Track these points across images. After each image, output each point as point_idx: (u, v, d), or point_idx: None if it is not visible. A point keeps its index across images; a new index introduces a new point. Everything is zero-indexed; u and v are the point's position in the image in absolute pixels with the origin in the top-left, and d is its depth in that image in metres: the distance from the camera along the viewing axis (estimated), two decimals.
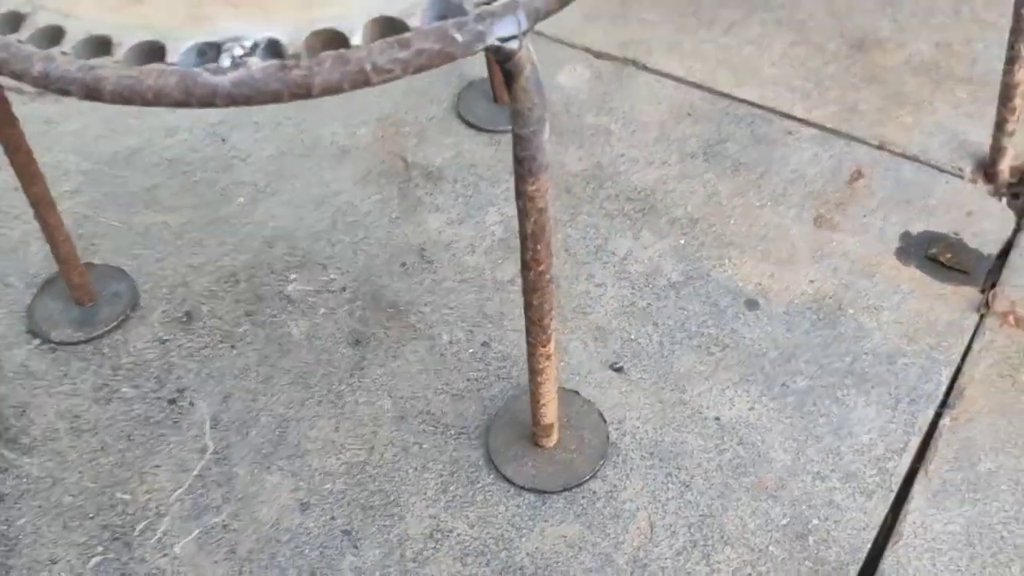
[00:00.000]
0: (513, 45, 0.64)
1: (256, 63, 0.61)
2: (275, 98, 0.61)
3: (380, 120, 1.41)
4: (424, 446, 1.02)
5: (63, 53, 0.63)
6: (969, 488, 0.97)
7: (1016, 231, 1.22)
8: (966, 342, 1.10)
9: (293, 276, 1.20)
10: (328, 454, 1.02)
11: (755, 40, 1.53)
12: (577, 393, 1.06)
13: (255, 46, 0.62)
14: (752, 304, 1.15)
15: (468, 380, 1.08)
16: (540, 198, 0.73)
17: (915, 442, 1.01)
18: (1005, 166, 1.29)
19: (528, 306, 0.83)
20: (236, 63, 0.60)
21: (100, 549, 0.95)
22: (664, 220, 1.25)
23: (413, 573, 0.93)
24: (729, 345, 1.11)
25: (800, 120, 1.39)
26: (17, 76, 0.63)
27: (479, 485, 0.99)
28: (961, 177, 1.30)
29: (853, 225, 1.24)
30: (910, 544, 0.93)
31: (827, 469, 0.99)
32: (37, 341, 1.13)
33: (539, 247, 0.77)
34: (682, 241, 1.23)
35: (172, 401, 1.07)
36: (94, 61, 0.62)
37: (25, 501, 0.99)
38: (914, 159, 1.32)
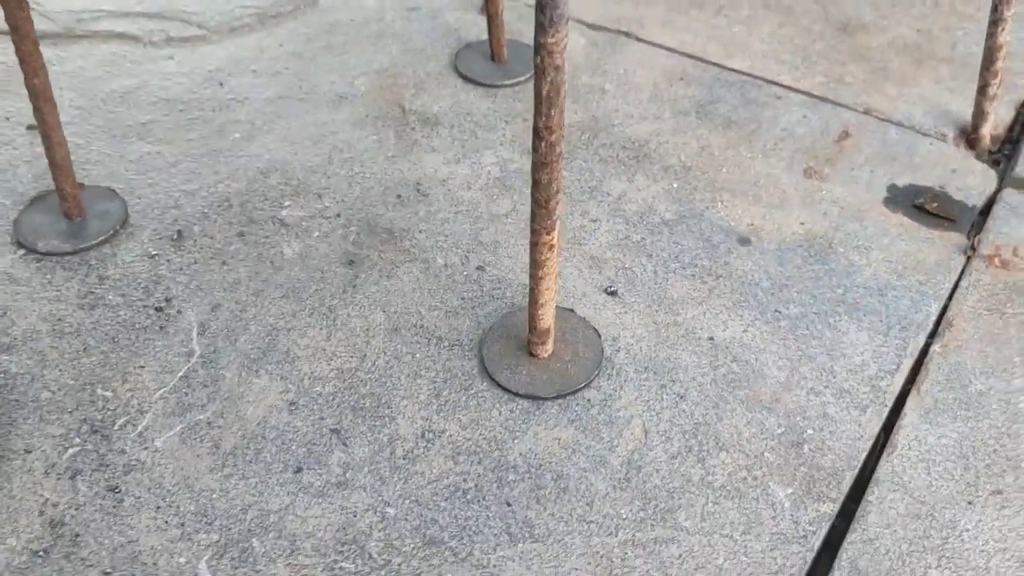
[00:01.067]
0: None
1: None
2: None
3: (378, 72, 1.42)
4: (417, 356, 1.01)
5: None
6: (961, 407, 0.97)
7: (998, 190, 1.24)
8: (954, 280, 1.12)
9: (287, 203, 1.19)
10: (319, 360, 1.00)
11: (744, 21, 1.57)
12: (572, 311, 1.05)
13: None
14: (744, 241, 1.16)
15: (462, 299, 1.07)
16: (558, 53, 0.74)
17: (907, 364, 1.02)
18: (986, 132, 1.33)
19: (535, 184, 0.83)
20: None
21: (78, 441, 0.92)
22: (658, 167, 1.27)
23: (403, 469, 0.91)
24: (722, 276, 1.11)
25: (789, 87, 1.42)
26: None
27: (472, 391, 0.97)
28: (944, 141, 1.33)
29: (842, 177, 1.26)
30: (904, 455, 0.93)
31: (821, 385, 0.99)
32: (22, 251, 1.11)
33: (552, 112, 0.77)
34: (675, 185, 1.24)
35: (159, 309, 1.05)
36: None
37: (2, 396, 0.96)
38: (899, 124, 1.35)
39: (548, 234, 0.87)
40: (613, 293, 1.08)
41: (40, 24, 1.42)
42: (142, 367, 0.99)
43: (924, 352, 1.03)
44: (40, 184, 1.20)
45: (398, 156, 1.27)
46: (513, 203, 1.20)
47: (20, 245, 1.12)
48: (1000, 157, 1.32)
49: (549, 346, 0.99)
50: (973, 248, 1.15)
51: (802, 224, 1.19)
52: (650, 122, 1.34)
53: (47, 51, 1.41)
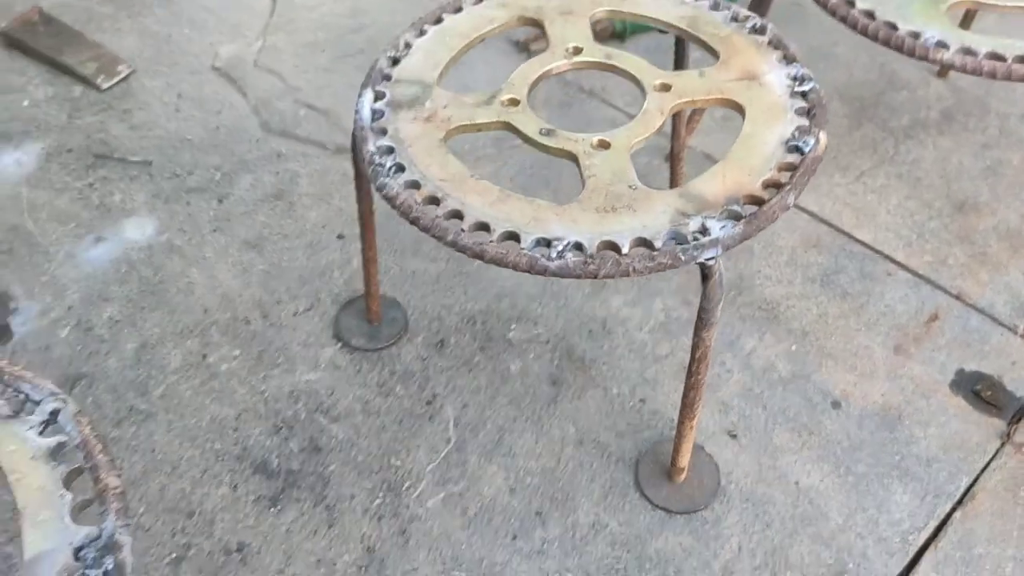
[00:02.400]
0: (712, 263, 1.12)
1: (570, 256, 1.10)
2: (578, 277, 1.10)
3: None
4: (594, 465, 1.52)
5: (462, 230, 1.13)
6: (963, 563, 1.41)
7: None
8: (986, 461, 1.53)
9: (513, 326, 1.71)
10: (529, 458, 1.52)
11: (877, 190, 1.96)
12: (702, 448, 1.53)
13: (568, 244, 1.11)
14: (836, 404, 1.60)
15: (628, 424, 1.57)
16: (710, 341, 1.21)
17: (932, 525, 1.45)
18: None
19: (686, 397, 1.31)
20: (559, 255, 1.10)
21: (380, 494, 1.48)
22: (783, 329, 1.71)
23: (579, 548, 1.42)
24: (814, 432, 1.56)
25: (900, 264, 1.82)
26: (437, 238, 1.14)
27: (628, 498, 1.47)
28: (1014, 332, 1.71)
29: (923, 356, 1.67)
30: None
31: (866, 532, 1.44)
32: (340, 344, 1.67)
33: (701, 367, 1.25)
34: (793, 347, 1.68)
35: (429, 402, 1.59)
36: (480, 237, 1.13)
37: (334, 455, 1.52)
38: (981, 311, 1.74)
39: (691, 421, 1.35)
40: (734, 436, 1.55)
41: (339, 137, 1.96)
42: (418, 446, 1.54)
43: (948, 517, 1.46)
44: (349, 288, 1.75)
45: (592, 295, 1.76)
46: (671, 347, 1.68)
47: (338, 339, 1.67)
48: None
49: (683, 476, 1.47)
50: (1008, 435, 1.56)
51: (882, 395, 1.61)
52: (784, 286, 1.78)
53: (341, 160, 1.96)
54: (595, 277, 1.10)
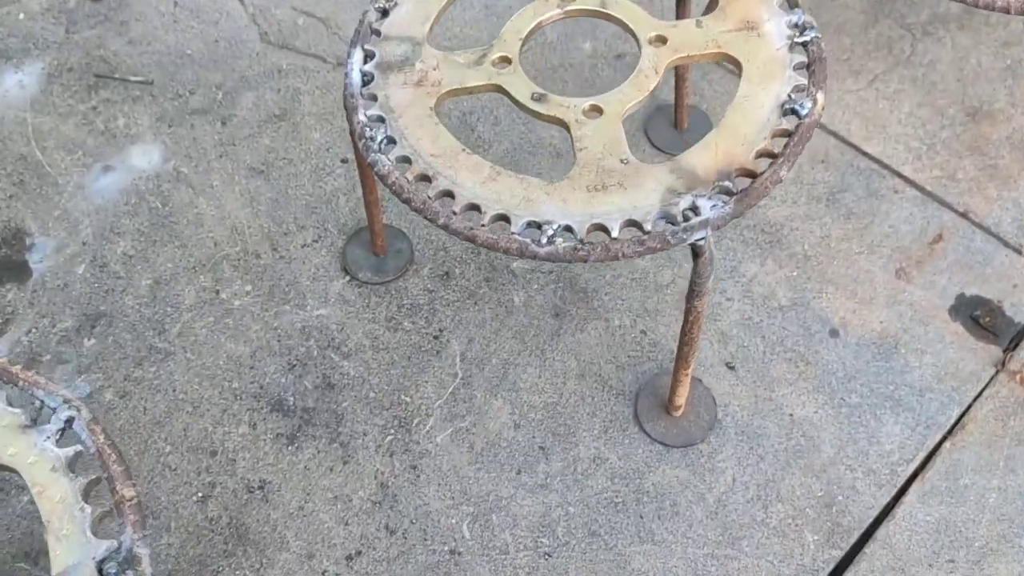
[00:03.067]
0: (702, 243, 1.13)
1: (560, 242, 1.11)
2: (569, 262, 1.11)
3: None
4: (595, 399, 1.57)
5: (454, 212, 1.14)
6: (948, 494, 1.47)
7: None
8: (979, 389, 1.57)
9: (515, 257, 1.72)
10: (533, 393, 1.58)
11: (890, 96, 1.91)
12: (700, 381, 1.58)
13: (558, 228, 1.12)
14: (834, 333, 1.63)
15: (629, 356, 1.61)
16: (702, 308, 1.23)
17: (921, 456, 1.51)
18: None
19: (680, 351, 1.35)
20: (550, 240, 1.11)
21: (392, 431, 1.55)
22: (786, 253, 1.72)
23: (581, 482, 1.50)
24: (811, 363, 1.60)
25: (908, 180, 1.80)
26: (429, 220, 1.15)
27: (628, 432, 1.54)
28: (1019, 252, 1.71)
29: (924, 280, 1.68)
30: (898, 524, 1.45)
31: (856, 464, 1.50)
32: (347, 278, 1.70)
33: (694, 329, 1.27)
34: (795, 273, 1.69)
35: (436, 337, 1.64)
36: (471, 222, 1.14)
37: (347, 392, 1.58)
38: (986, 230, 1.73)
39: (685, 371, 1.39)
40: (732, 367, 1.60)
41: None
42: (427, 382, 1.60)
43: (937, 448, 1.52)
44: (354, 217, 1.77)
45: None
46: (673, 275, 1.69)
47: (346, 272, 1.71)
48: None
49: (681, 410, 1.53)
50: (1003, 363, 1.59)
51: (881, 323, 1.64)
52: (788, 206, 1.77)
53: None
54: (585, 262, 1.12)
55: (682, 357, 1.36)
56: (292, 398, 1.58)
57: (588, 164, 1.17)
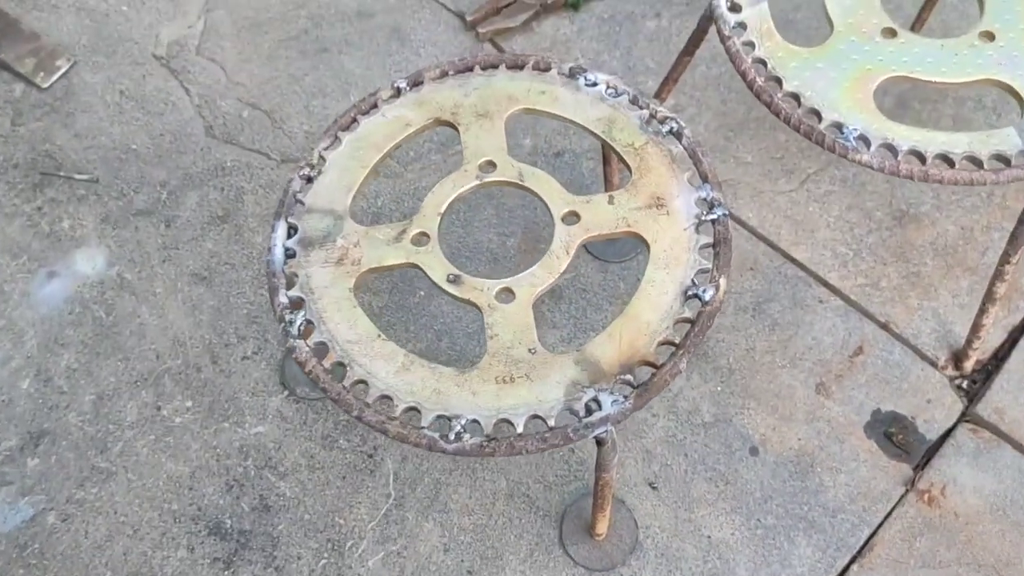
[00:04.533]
0: (604, 437, 1.19)
1: (467, 438, 1.17)
2: (476, 456, 1.17)
3: (525, 231, 1.92)
4: (522, 520, 1.64)
5: (367, 404, 1.20)
6: None
7: (955, 425, 1.71)
8: (888, 509, 1.64)
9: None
10: (463, 514, 1.65)
11: (820, 198, 1.96)
12: (623, 502, 1.65)
13: (466, 423, 1.17)
14: (754, 451, 1.70)
15: (556, 475, 1.68)
16: (609, 481, 1.29)
17: None
18: (971, 361, 1.76)
19: (595, 504, 1.41)
20: (457, 436, 1.17)
21: (326, 554, 1.61)
22: (711, 367, 1.78)
23: None
24: (731, 482, 1.67)
25: (833, 288, 1.85)
26: (344, 411, 1.20)
27: (552, 555, 1.61)
28: (934, 366, 1.77)
29: (843, 396, 1.74)
30: None
31: None
32: (285, 393, 1.75)
33: (605, 494, 1.34)
34: (719, 388, 1.76)
35: (370, 455, 1.70)
36: (383, 416, 1.19)
37: (283, 513, 1.64)
38: (905, 342, 1.80)
39: (603, 512, 1.45)
40: (655, 487, 1.66)
41: None
42: (360, 502, 1.66)
43: (845, 570, 1.59)
44: None
45: None
46: None
47: (284, 386, 1.76)
48: (973, 388, 1.76)
49: (604, 534, 1.60)
50: (913, 482, 1.66)
51: (799, 440, 1.70)
52: (716, 316, 1.82)
53: None
54: (491, 456, 1.17)
55: (597, 507, 1.43)
56: (229, 520, 1.64)
57: (498, 353, 1.22)
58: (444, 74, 1.44)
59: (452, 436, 1.17)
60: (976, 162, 1.37)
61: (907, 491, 1.66)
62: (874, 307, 1.83)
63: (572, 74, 1.43)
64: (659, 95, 1.80)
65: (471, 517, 1.64)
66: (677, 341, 1.22)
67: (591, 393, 1.19)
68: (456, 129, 1.40)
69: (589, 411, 1.18)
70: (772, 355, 1.79)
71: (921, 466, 1.68)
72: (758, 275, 1.87)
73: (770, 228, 1.92)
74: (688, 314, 1.24)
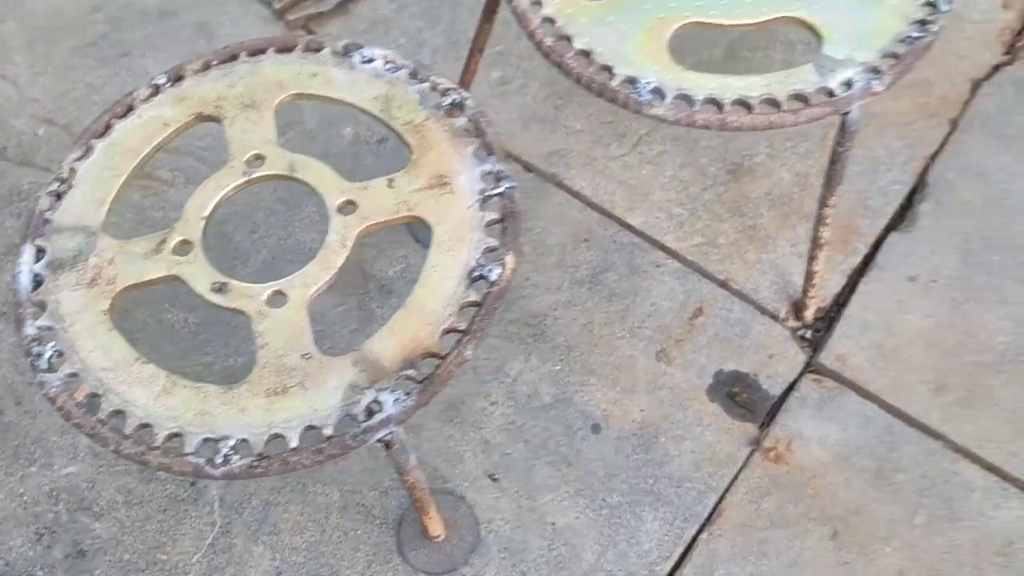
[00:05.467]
0: (391, 439, 1.10)
1: (236, 460, 1.07)
2: (246, 478, 1.07)
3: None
4: (358, 532, 1.55)
5: (124, 436, 1.09)
6: None
7: (798, 379, 1.67)
8: (735, 472, 1.59)
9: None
10: (295, 533, 1.55)
11: (654, 159, 1.90)
12: (463, 499, 1.57)
13: (234, 444, 1.08)
14: (596, 428, 1.63)
15: (392, 479, 1.59)
16: (416, 483, 1.21)
17: (678, 551, 1.53)
18: (811, 310, 1.72)
19: (417, 507, 1.33)
20: (225, 459, 1.07)
21: None
22: (549, 346, 1.70)
23: None
24: (573, 463, 1.60)
25: (670, 251, 1.79)
26: (100, 445, 1.09)
27: (391, 564, 1.52)
28: (776, 318, 1.73)
29: (683, 360, 1.69)
30: None
31: (617, 568, 1.52)
32: None
33: (419, 497, 1.25)
34: (558, 367, 1.69)
35: (192, 483, 1.59)
36: (143, 447, 1.08)
37: (99, 557, 1.52)
38: (745, 298, 1.75)
39: (428, 515, 1.37)
40: (495, 479, 1.59)
41: None
42: (184, 534, 1.55)
43: (693, 540, 1.54)
44: None
45: (359, 330, 1.72)
46: None
47: None
48: (816, 337, 1.72)
49: (441, 535, 1.51)
50: (758, 441, 1.62)
51: (642, 411, 1.64)
52: (552, 293, 1.75)
53: None
54: (265, 476, 1.08)
55: (419, 510, 1.34)
56: (41, 572, 1.51)
57: (269, 364, 1.13)
58: (207, 65, 1.33)
59: (219, 460, 1.07)
60: (774, 104, 1.32)
61: (753, 451, 1.61)
62: (712, 266, 1.78)
63: (347, 52, 1.33)
64: (467, 68, 1.72)
65: (303, 535, 1.55)
66: (463, 327, 1.14)
67: (371, 394, 1.10)
68: (220, 123, 1.29)
69: (371, 413, 1.09)
70: (611, 327, 1.72)
71: (766, 424, 1.64)
72: (593, 246, 1.80)
73: (604, 196, 1.86)
74: (474, 297, 1.16)
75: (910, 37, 1.33)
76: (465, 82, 1.72)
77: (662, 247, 1.80)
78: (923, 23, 1.34)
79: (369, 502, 1.57)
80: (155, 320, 1.71)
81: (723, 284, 1.76)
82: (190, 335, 1.70)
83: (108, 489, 1.58)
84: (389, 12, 2.09)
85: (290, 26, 2.04)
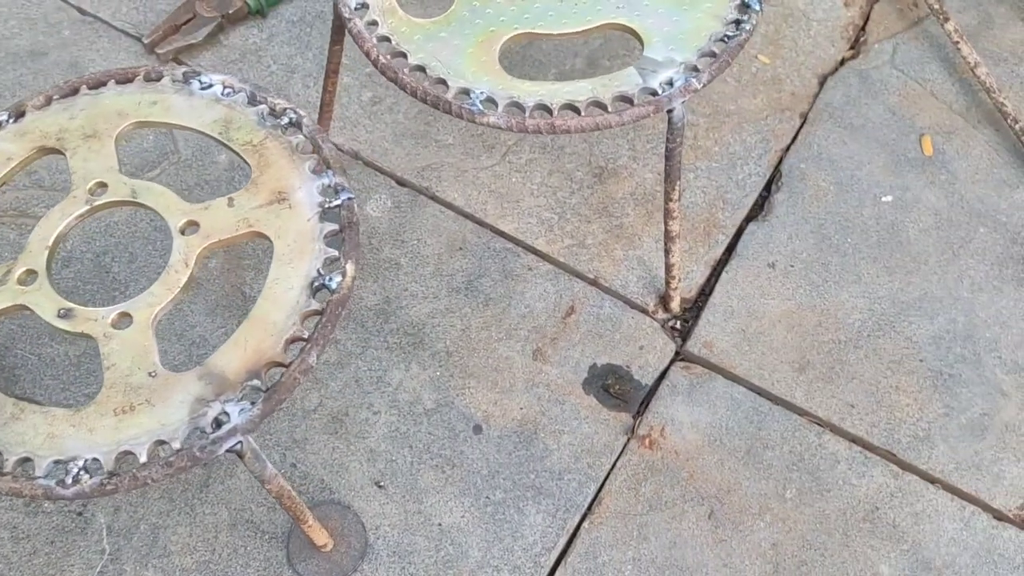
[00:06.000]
0: (239, 448, 1.13)
1: (86, 479, 1.09)
2: (99, 496, 1.10)
3: (227, 252, 1.85)
4: (248, 548, 1.57)
5: None
6: (589, 575, 1.55)
7: (668, 367, 1.74)
8: (612, 461, 1.65)
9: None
10: (185, 554, 1.57)
11: (522, 168, 1.96)
12: (349, 507, 1.60)
13: (84, 464, 1.10)
14: (478, 429, 1.68)
15: None
16: (277, 491, 1.24)
17: (562, 542, 1.58)
18: (676, 301, 1.79)
19: (294, 518, 1.36)
20: (75, 479, 1.09)
21: None
22: (428, 353, 1.75)
23: None
24: (457, 464, 1.64)
25: (541, 255, 1.85)
26: None
27: None
28: (645, 311, 1.80)
29: (559, 358, 1.75)
30: None
31: (503, 563, 1.56)
32: None
33: (290, 507, 1.28)
34: (438, 373, 1.73)
35: (79, 513, 1.60)
36: None
37: None
38: (615, 294, 1.81)
39: (307, 525, 1.40)
40: (381, 486, 1.62)
41: None
42: (72, 565, 1.55)
43: (576, 529, 1.59)
44: None
45: None
46: (320, 397, 1.70)
47: None
48: (685, 327, 1.79)
49: (329, 544, 1.54)
50: (633, 429, 1.67)
51: (521, 409, 1.70)
52: (430, 301, 1.80)
53: None
54: (115, 494, 1.10)
55: (297, 520, 1.37)
56: None
57: (116, 384, 1.15)
58: (48, 100, 1.36)
59: (70, 480, 1.09)
60: (601, 106, 1.38)
61: (628, 439, 1.67)
62: (582, 265, 1.84)
63: (186, 79, 1.37)
64: (325, 88, 1.76)
65: (194, 555, 1.56)
66: (306, 335, 1.18)
67: (217, 407, 1.13)
68: (63, 155, 1.32)
69: (219, 425, 1.13)
70: (488, 331, 1.77)
71: (640, 412, 1.70)
72: (467, 254, 1.86)
73: (476, 205, 1.91)
74: (316, 306, 1.20)
75: (726, 36, 1.41)
76: (326, 103, 1.77)
77: (534, 251, 1.86)
78: (737, 23, 1.42)
79: (257, 518, 1.59)
80: (35, 355, 1.72)
81: (593, 282, 1.83)
82: (72, 367, 1.71)
83: None
84: (260, 41, 2.13)
85: (160, 59, 2.07)
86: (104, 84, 1.37)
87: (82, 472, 1.10)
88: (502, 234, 1.88)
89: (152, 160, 1.94)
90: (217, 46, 2.13)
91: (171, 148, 1.96)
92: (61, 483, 1.09)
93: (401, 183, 1.94)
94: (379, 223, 1.88)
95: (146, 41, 2.07)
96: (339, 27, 1.61)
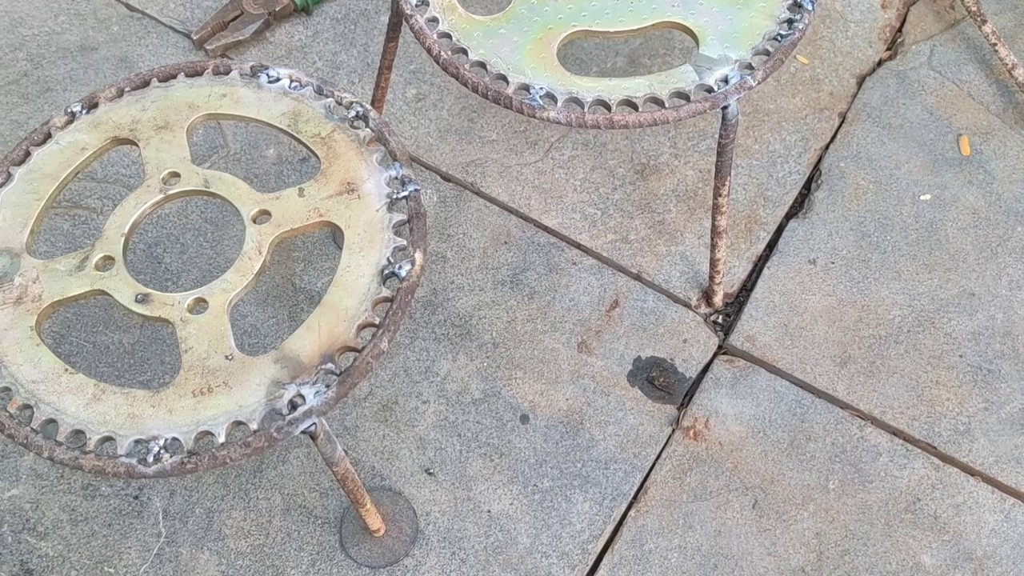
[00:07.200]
0: (312, 430, 1.17)
1: (167, 458, 1.13)
2: (179, 475, 1.13)
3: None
4: (301, 532, 1.60)
5: (58, 443, 1.14)
6: (636, 562, 1.58)
7: (712, 360, 1.77)
8: (658, 451, 1.68)
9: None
10: (240, 537, 1.60)
11: (565, 164, 1.99)
12: (400, 493, 1.63)
13: (164, 443, 1.13)
14: (525, 418, 1.71)
15: (331, 481, 1.65)
16: (344, 473, 1.27)
17: (609, 529, 1.61)
18: (719, 296, 1.82)
19: (352, 500, 1.39)
20: (156, 457, 1.12)
21: None
22: (475, 344, 1.78)
23: None
24: (504, 453, 1.67)
25: (585, 249, 1.89)
26: (30, 451, 1.14)
27: (334, 562, 1.58)
28: (688, 306, 1.83)
29: (604, 350, 1.78)
30: None
31: (551, 549, 1.59)
32: None
33: (352, 489, 1.31)
34: (485, 363, 1.76)
35: (136, 497, 1.63)
36: (76, 452, 1.13)
37: (46, 575, 1.56)
38: (658, 288, 1.84)
39: (364, 507, 1.43)
40: (431, 473, 1.66)
41: None
42: (130, 547, 1.59)
43: (623, 518, 1.62)
44: None
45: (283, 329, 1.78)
46: (370, 387, 1.74)
47: None
48: (728, 322, 1.82)
49: (381, 530, 1.58)
50: (678, 421, 1.71)
51: (567, 400, 1.73)
52: (476, 294, 1.83)
53: None
54: (195, 472, 1.14)
55: (355, 503, 1.41)
56: None
57: (193, 366, 1.19)
58: (120, 92, 1.39)
59: (151, 459, 1.13)
60: (658, 102, 1.41)
61: (673, 430, 1.70)
62: (625, 260, 1.88)
63: (254, 73, 1.41)
64: (377, 84, 1.80)
65: (248, 539, 1.60)
66: (377, 321, 1.21)
67: (293, 389, 1.16)
68: (136, 145, 1.35)
69: (295, 407, 1.16)
70: (533, 323, 1.80)
71: (684, 404, 1.73)
72: (512, 248, 1.89)
73: (520, 200, 1.94)
74: (387, 293, 1.23)
75: (779, 35, 1.44)
76: (377, 99, 1.80)
77: (577, 245, 1.89)
78: (790, 22, 1.45)
79: (310, 503, 1.63)
80: (90, 343, 1.75)
81: (636, 277, 1.86)
82: (126, 355, 1.75)
83: (52, 508, 1.62)
84: (305, 38, 2.17)
85: (209, 56, 2.11)
86: (174, 77, 1.40)
87: (163, 451, 1.13)
88: (546, 229, 1.91)
89: (202, 154, 1.97)
90: (263, 43, 2.16)
91: (220, 142, 1.99)
92: (143, 461, 1.13)
93: (446, 178, 1.97)
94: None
95: (195, 37, 2.11)
96: (396, 23, 1.65)
